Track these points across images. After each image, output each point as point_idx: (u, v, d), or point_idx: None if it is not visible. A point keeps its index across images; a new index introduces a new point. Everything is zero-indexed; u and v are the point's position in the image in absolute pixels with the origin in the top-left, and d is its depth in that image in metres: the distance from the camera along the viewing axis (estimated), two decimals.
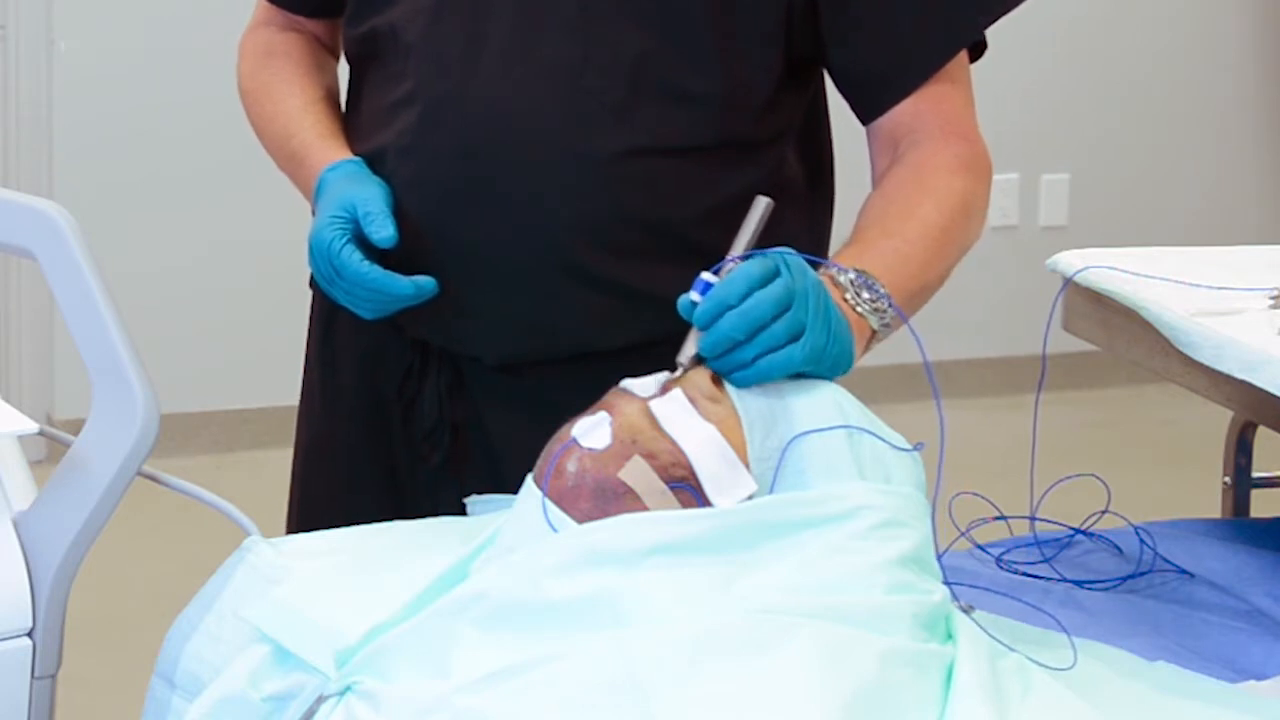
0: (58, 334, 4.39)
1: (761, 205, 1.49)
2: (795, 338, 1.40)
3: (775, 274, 1.40)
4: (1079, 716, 1.32)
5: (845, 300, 1.50)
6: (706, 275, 1.42)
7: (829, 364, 1.44)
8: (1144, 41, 5.29)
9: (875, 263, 1.55)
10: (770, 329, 1.39)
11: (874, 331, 1.51)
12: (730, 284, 1.40)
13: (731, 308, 1.39)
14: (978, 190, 1.67)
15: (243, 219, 4.46)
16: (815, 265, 1.47)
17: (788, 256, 1.42)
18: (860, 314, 1.50)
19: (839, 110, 1.76)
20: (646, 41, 1.63)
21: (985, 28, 1.70)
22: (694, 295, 1.41)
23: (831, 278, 1.51)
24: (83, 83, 4.41)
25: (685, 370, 1.40)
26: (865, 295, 1.51)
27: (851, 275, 1.51)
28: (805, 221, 1.74)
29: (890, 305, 1.51)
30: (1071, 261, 1.99)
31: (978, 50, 1.73)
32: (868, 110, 1.70)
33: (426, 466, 1.75)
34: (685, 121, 1.65)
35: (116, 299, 1.45)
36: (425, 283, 1.64)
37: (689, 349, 1.41)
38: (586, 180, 1.63)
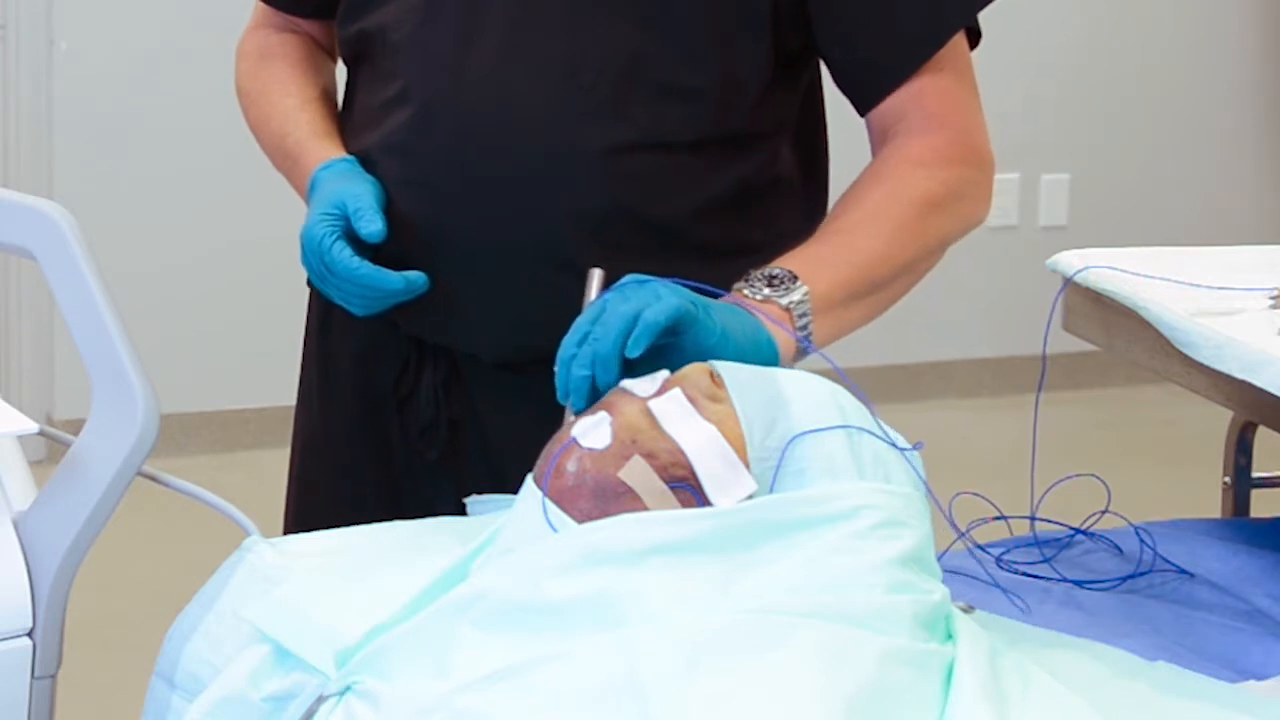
0: (58, 334, 4.39)
1: (595, 277, 1.51)
2: (633, 320, 1.41)
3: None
4: (1079, 716, 1.32)
5: (746, 296, 1.53)
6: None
7: (705, 336, 1.44)
8: (1144, 41, 5.29)
9: (807, 256, 1.58)
10: (594, 336, 1.42)
11: (793, 313, 1.53)
12: (565, 343, 1.44)
13: (572, 358, 1.42)
14: (955, 179, 1.67)
15: (243, 219, 4.46)
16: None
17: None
18: (760, 301, 1.52)
19: (835, 106, 1.76)
20: (637, 37, 1.64)
21: (973, 16, 1.70)
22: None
23: (737, 289, 1.54)
24: (83, 83, 4.41)
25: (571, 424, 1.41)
26: (759, 286, 1.54)
27: (747, 276, 1.55)
28: (800, 217, 1.74)
29: (794, 283, 1.53)
30: (1071, 261, 1.99)
31: (973, 40, 1.72)
32: (861, 102, 1.70)
33: (423, 462, 1.75)
34: (678, 116, 1.65)
35: (116, 299, 1.45)
36: (416, 278, 1.65)
37: (570, 416, 1.42)
38: (580, 176, 1.64)
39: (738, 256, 1.60)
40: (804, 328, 1.53)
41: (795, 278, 1.54)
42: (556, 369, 1.43)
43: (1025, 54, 5.05)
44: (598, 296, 1.49)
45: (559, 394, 1.43)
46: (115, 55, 4.43)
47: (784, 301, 1.53)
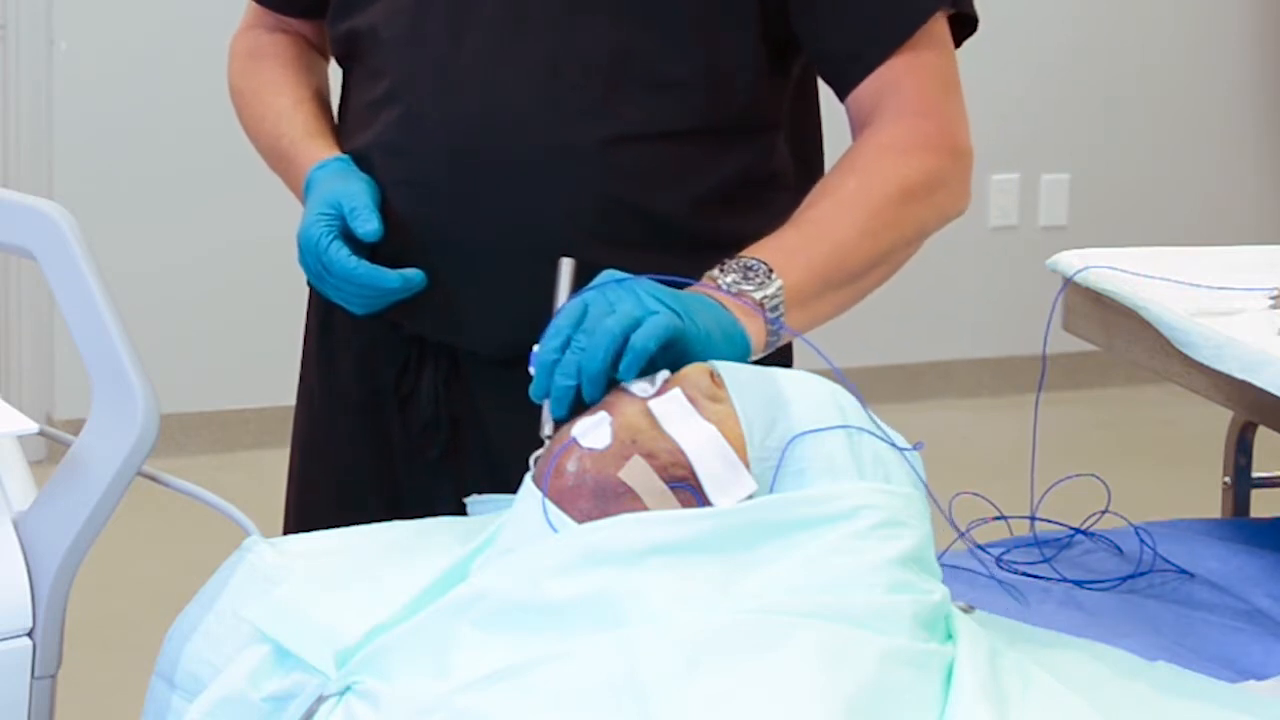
0: (58, 334, 4.39)
1: (566, 266, 1.50)
2: (622, 339, 1.40)
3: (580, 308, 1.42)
4: (1079, 716, 1.32)
5: (720, 289, 1.52)
6: (536, 348, 1.43)
7: (692, 345, 1.43)
8: (1144, 41, 5.30)
9: (781, 246, 1.57)
10: (579, 346, 1.40)
11: (765, 307, 1.52)
12: (544, 345, 1.41)
13: (555, 363, 1.40)
14: (932, 166, 1.66)
15: (243, 219, 4.46)
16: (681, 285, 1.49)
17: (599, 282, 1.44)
18: (734, 294, 1.52)
19: (830, 102, 1.76)
20: (625, 33, 1.64)
21: (946, 2, 1.69)
22: (531, 371, 1.42)
23: (711, 278, 1.53)
24: (83, 83, 4.42)
25: (551, 439, 1.40)
26: (734, 278, 1.53)
27: (722, 265, 1.53)
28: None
29: (769, 275, 1.52)
30: (1071, 261, 1.99)
31: (969, 28, 1.71)
32: (838, 88, 1.70)
33: (424, 460, 1.76)
34: (669, 109, 1.66)
35: (116, 299, 1.45)
36: (413, 275, 1.65)
37: (546, 419, 1.41)
38: (575, 172, 1.64)
39: (736, 250, 1.59)
40: (775, 320, 1.53)
41: (771, 271, 1.54)
42: (534, 369, 1.42)
43: (1025, 54, 5.05)
44: (571, 291, 1.48)
45: (534, 393, 1.42)
46: (115, 55, 4.43)
47: (758, 296, 1.53)
